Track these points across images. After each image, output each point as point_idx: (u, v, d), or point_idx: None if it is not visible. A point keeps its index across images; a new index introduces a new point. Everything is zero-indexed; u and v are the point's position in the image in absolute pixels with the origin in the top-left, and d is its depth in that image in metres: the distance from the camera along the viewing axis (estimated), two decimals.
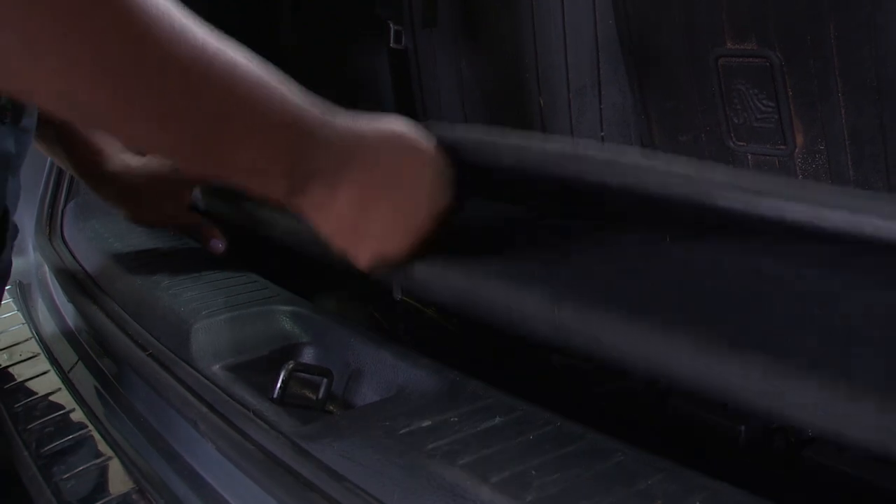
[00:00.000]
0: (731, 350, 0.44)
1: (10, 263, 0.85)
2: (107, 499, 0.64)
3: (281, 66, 0.53)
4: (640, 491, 0.47)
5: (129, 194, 0.91)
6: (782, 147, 1.02)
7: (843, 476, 0.68)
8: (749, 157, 1.07)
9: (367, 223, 0.59)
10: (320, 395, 0.67)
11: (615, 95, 1.26)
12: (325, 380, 0.67)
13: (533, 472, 0.48)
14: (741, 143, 1.07)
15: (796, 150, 1.00)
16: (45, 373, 0.86)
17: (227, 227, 0.91)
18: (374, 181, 0.58)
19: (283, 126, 0.53)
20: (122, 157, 0.91)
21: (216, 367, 0.69)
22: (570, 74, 1.33)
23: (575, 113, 1.34)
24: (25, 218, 1.18)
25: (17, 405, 0.82)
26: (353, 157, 0.57)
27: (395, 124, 0.60)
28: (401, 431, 0.54)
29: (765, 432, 0.74)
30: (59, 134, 0.90)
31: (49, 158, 1.19)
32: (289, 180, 0.55)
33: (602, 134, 1.31)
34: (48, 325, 0.97)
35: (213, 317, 0.74)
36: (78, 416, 0.76)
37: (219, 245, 0.90)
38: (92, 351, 0.80)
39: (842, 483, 0.68)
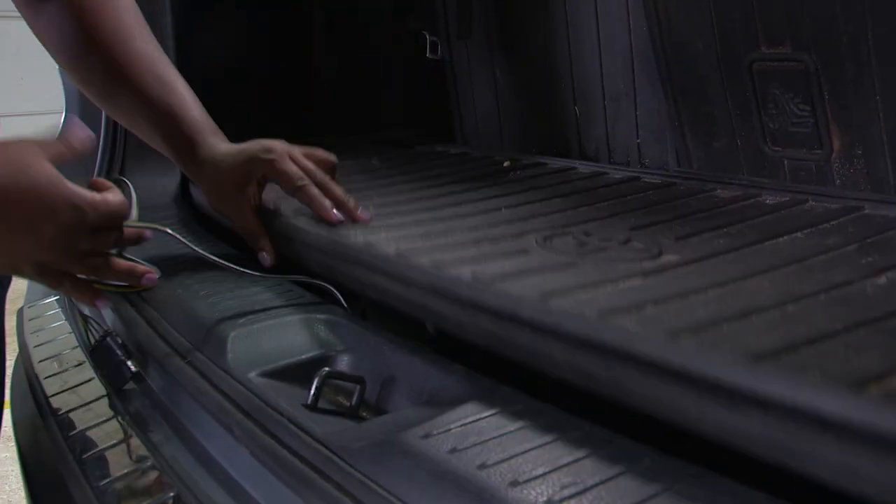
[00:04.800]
0: None
1: None
2: (145, 503, 0.66)
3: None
4: (666, 493, 0.47)
5: (212, 181, 0.94)
6: (818, 152, 1.00)
7: None
8: (785, 163, 1.06)
9: None
10: (353, 402, 0.68)
11: (650, 102, 1.26)
12: (358, 387, 0.68)
13: (557, 477, 0.48)
14: (777, 149, 1.06)
15: (833, 155, 0.99)
16: (89, 380, 0.88)
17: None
18: None
19: None
20: (213, 143, 0.93)
21: (252, 374, 0.71)
22: (605, 82, 1.33)
23: (610, 121, 1.34)
24: None
25: (63, 412, 0.85)
26: None
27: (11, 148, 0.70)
28: (429, 437, 0.55)
29: None
30: (159, 118, 0.93)
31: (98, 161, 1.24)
32: None
33: (638, 141, 1.30)
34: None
35: (249, 325, 0.76)
36: (120, 422, 0.79)
37: (266, 259, 0.92)
38: (134, 359, 0.82)
39: None
